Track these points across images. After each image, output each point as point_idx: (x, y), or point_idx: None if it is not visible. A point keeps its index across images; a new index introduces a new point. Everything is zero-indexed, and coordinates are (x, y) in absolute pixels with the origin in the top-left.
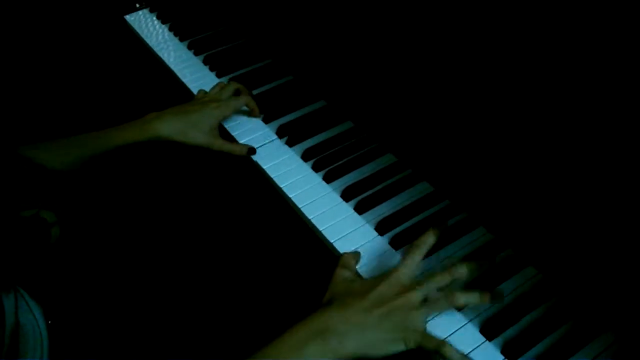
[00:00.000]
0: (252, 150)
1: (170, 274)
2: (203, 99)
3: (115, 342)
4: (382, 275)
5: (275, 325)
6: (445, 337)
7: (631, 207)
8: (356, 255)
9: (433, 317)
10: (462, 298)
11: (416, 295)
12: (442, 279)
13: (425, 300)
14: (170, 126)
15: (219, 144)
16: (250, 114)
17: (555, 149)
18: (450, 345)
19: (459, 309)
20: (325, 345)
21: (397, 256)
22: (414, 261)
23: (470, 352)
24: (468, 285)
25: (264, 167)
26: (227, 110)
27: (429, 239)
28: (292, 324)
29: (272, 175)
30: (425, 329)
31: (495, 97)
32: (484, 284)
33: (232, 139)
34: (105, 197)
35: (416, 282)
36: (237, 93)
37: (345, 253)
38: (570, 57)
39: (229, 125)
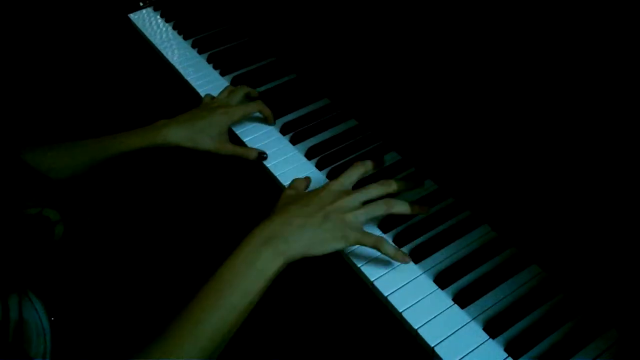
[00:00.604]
0: (263, 156)
1: (173, 273)
2: (211, 105)
3: (117, 339)
4: (323, 185)
5: (275, 323)
6: (448, 334)
7: (635, 204)
8: (307, 179)
9: (435, 316)
10: (398, 205)
11: (353, 199)
12: (378, 189)
13: (362, 205)
14: (179, 133)
15: (228, 148)
16: (264, 121)
17: (559, 147)
18: (386, 240)
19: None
20: (276, 248)
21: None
22: (353, 174)
23: (474, 349)
24: (481, 281)
25: (268, 165)
26: (236, 115)
27: (369, 165)
28: (291, 323)
29: (275, 173)
30: (362, 228)
31: (500, 95)
32: (486, 282)
33: (235, 136)
34: (109, 195)
35: (353, 190)
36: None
37: (297, 178)
38: (572, 56)
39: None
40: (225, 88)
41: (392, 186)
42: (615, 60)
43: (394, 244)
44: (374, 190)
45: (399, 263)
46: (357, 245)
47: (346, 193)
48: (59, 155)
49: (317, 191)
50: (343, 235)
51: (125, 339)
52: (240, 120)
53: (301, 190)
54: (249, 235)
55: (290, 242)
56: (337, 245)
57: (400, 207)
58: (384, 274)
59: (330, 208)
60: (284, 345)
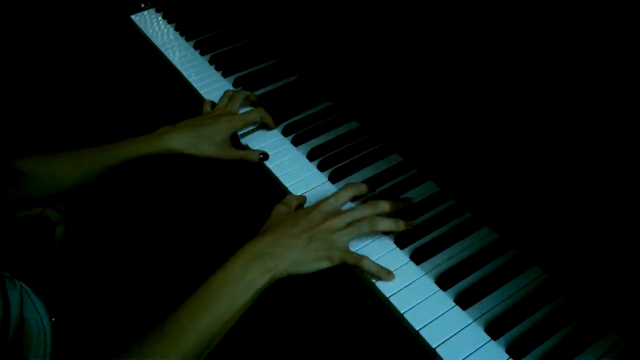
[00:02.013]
0: (265, 156)
1: (173, 274)
2: (214, 113)
3: (117, 340)
4: (313, 205)
5: (276, 323)
6: (450, 336)
7: (635, 206)
8: (300, 198)
9: (437, 318)
10: (381, 223)
11: (339, 220)
12: (365, 210)
13: (349, 226)
14: (182, 140)
15: (231, 154)
16: (264, 126)
17: (560, 149)
18: (368, 258)
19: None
20: (264, 265)
21: (405, 256)
22: (343, 196)
23: (475, 351)
24: (483, 282)
25: (270, 166)
26: (239, 124)
27: (362, 187)
28: (293, 323)
29: (277, 174)
30: (347, 247)
31: (501, 97)
32: (488, 283)
33: (236, 137)
34: (109, 196)
35: (341, 211)
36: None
37: (290, 195)
38: (572, 61)
39: None
40: (225, 94)
41: (379, 207)
42: (616, 63)
43: (376, 263)
44: (360, 212)
45: (400, 265)
46: (359, 249)
47: (334, 214)
48: (61, 164)
49: (307, 210)
50: (328, 255)
51: (125, 340)
52: (243, 127)
53: (292, 207)
54: (239, 251)
55: (278, 260)
56: (321, 264)
57: (384, 225)
58: None
59: (317, 229)
60: (285, 345)
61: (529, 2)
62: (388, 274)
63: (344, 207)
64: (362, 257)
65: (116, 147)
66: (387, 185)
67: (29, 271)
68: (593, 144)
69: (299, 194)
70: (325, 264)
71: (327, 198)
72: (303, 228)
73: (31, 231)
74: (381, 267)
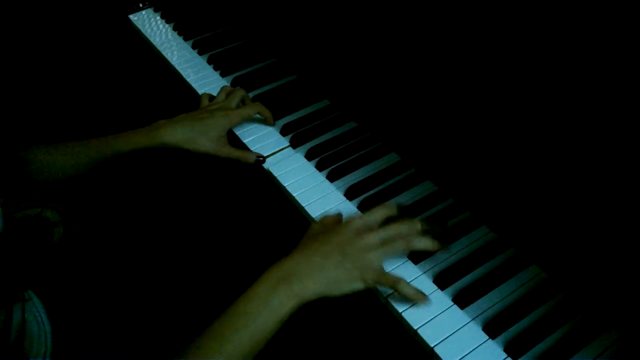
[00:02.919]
0: (262, 159)
1: (173, 275)
2: (211, 107)
3: (117, 341)
4: (344, 221)
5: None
6: (448, 335)
7: (633, 204)
8: (337, 216)
9: (435, 317)
10: (418, 242)
11: (373, 238)
12: (401, 227)
13: (383, 244)
14: (179, 134)
15: (227, 152)
16: (264, 122)
17: (558, 147)
18: (405, 281)
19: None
20: (290, 289)
21: (402, 256)
22: (377, 214)
23: (473, 350)
24: (481, 281)
25: (267, 165)
26: (236, 119)
27: (394, 209)
28: (291, 322)
29: (275, 174)
30: (381, 268)
31: (499, 97)
32: (486, 282)
33: (235, 137)
34: (108, 196)
35: (374, 228)
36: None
37: (328, 215)
38: (571, 56)
39: None
40: (223, 89)
41: (416, 225)
42: (615, 60)
43: (413, 286)
44: (395, 229)
45: (398, 264)
46: None
47: (367, 230)
48: (60, 153)
49: (339, 227)
50: (361, 276)
51: (126, 341)
52: (240, 123)
53: (329, 226)
54: (266, 272)
55: (306, 283)
56: (354, 286)
57: (421, 244)
58: None
59: (349, 248)
60: (282, 344)
61: (525, 2)
62: (424, 298)
63: None
64: (398, 279)
65: (114, 138)
66: (385, 184)
67: (29, 271)
68: (590, 143)
69: (297, 193)
70: (358, 285)
71: (361, 215)
72: (334, 246)
73: (30, 231)
74: (418, 290)
